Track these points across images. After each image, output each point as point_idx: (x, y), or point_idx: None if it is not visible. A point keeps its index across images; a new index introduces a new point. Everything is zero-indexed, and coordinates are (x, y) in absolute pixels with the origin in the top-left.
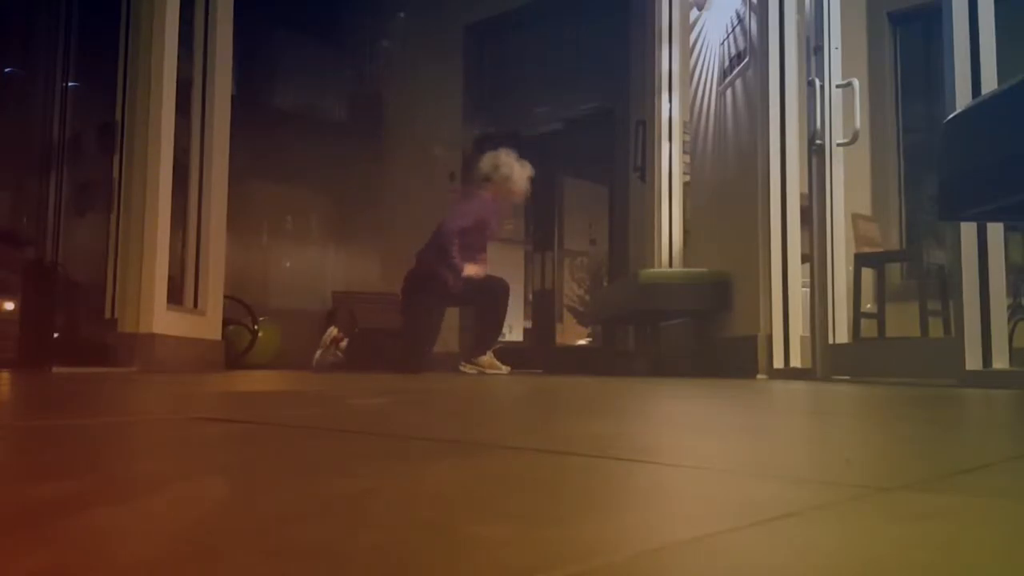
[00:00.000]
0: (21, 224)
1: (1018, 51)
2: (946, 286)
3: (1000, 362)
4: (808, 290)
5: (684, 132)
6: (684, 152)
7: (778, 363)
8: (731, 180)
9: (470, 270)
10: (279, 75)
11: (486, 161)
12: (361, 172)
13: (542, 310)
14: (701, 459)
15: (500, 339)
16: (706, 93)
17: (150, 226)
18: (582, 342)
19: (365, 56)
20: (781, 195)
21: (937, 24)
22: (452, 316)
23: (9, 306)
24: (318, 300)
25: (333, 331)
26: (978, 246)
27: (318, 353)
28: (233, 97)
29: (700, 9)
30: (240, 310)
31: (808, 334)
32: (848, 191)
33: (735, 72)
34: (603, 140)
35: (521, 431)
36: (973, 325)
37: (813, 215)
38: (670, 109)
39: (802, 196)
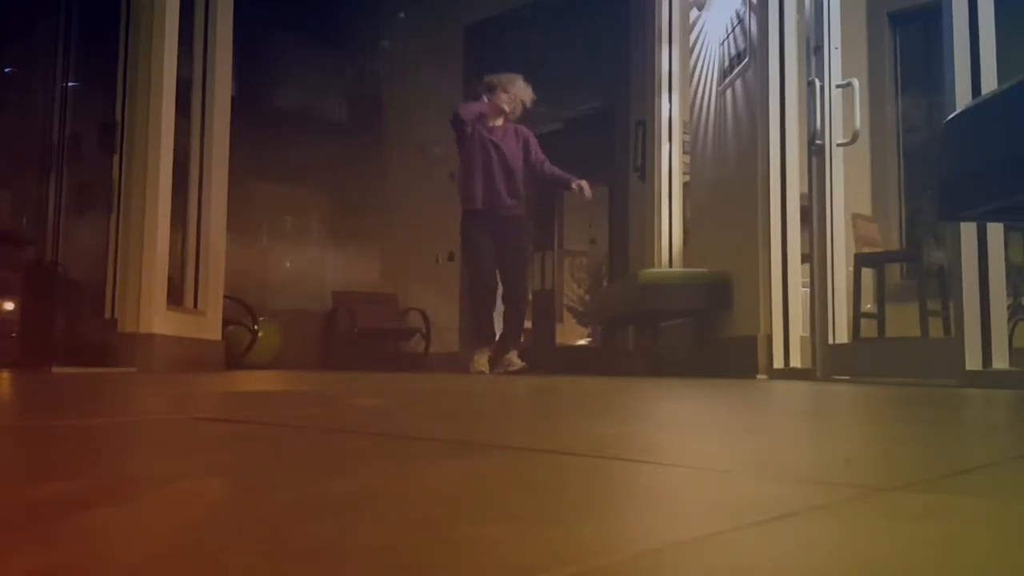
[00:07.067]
0: (21, 224)
1: (1018, 51)
2: (946, 286)
3: (1000, 362)
4: (808, 290)
5: (684, 132)
6: (684, 152)
7: (778, 363)
8: (731, 180)
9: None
10: (279, 75)
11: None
12: (361, 172)
13: (542, 310)
14: (701, 459)
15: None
16: (706, 93)
17: (150, 226)
18: (582, 342)
19: (365, 56)
20: (781, 195)
21: (937, 24)
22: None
23: (9, 306)
24: (318, 300)
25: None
26: (978, 246)
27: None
28: (233, 97)
29: (700, 9)
30: (240, 310)
31: (808, 334)
32: (848, 191)
33: (735, 72)
34: (603, 140)
35: (521, 431)
36: (973, 325)
37: (813, 215)
38: (670, 109)
39: (802, 196)
